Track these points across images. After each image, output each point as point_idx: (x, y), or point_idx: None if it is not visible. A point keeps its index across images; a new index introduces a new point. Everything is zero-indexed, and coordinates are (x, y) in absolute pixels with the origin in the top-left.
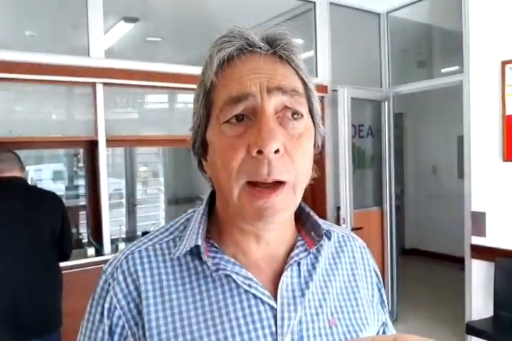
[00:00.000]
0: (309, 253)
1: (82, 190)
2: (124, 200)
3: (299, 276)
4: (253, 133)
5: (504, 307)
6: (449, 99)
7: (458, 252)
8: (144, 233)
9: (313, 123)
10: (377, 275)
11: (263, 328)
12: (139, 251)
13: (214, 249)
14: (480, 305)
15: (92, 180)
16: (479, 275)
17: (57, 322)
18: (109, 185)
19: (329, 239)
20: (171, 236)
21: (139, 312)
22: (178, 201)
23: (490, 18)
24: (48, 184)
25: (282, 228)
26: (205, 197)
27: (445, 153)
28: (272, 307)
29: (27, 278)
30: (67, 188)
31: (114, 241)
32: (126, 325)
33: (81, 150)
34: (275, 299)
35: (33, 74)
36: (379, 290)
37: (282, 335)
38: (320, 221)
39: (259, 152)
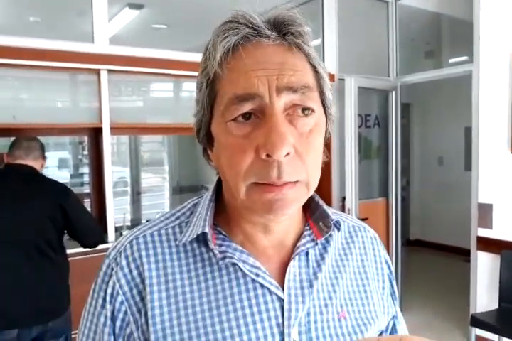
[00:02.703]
0: (316, 243)
1: (86, 178)
2: (128, 188)
3: (308, 266)
4: (262, 134)
5: (509, 300)
6: (457, 89)
7: (463, 244)
8: (149, 221)
9: (325, 113)
10: (388, 267)
11: (269, 319)
12: (144, 236)
13: (221, 236)
14: (485, 297)
15: (97, 168)
16: (485, 268)
17: (60, 310)
18: (113, 173)
19: (338, 229)
20: (177, 222)
21: (142, 299)
22: (183, 190)
23: (501, 8)
24: (53, 171)
25: (291, 217)
26: (213, 184)
27: (452, 144)
28: (279, 298)
29: (21, 266)
30: (72, 176)
31: (118, 229)
32: (129, 311)
33: (86, 138)
34: (283, 289)
35: (37, 61)
36: (390, 281)
37: (289, 327)
38: (329, 211)
39: (269, 155)
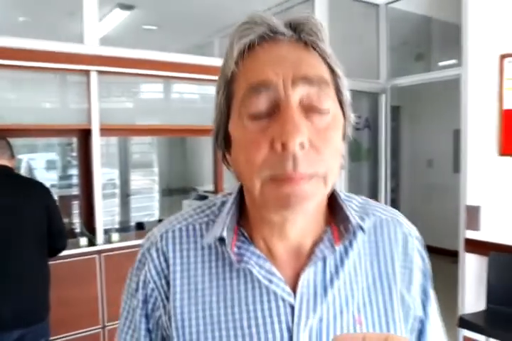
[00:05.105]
0: (334, 249)
1: (75, 180)
2: (117, 190)
3: (324, 272)
4: (277, 126)
5: (497, 301)
6: (446, 92)
7: (451, 246)
8: (138, 224)
9: (343, 113)
10: (423, 265)
11: (280, 323)
12: (173, 231)
13: (243, 238)
14: (472, 298)
15: (85, 170)
16: (472, 269)
17: (42, 314)
18: (102, 174)
19: (363, 231)
20: (206, 219)
21: (169, 290)
22: (173, 192)
23: (489, 11)
24: (41, 173)
25: (308, 219)
26: (237, 186)
27: (441, 147)
28: (291, 304)
29: (7, 267)
30: (60, 178)
31: (107, 232)
32: (159, 297)
33: (74, 140)
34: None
35: (26, 61)
36: (423, 280)
37: (298, 333)
38: (356, 206)
39: (283, 147)
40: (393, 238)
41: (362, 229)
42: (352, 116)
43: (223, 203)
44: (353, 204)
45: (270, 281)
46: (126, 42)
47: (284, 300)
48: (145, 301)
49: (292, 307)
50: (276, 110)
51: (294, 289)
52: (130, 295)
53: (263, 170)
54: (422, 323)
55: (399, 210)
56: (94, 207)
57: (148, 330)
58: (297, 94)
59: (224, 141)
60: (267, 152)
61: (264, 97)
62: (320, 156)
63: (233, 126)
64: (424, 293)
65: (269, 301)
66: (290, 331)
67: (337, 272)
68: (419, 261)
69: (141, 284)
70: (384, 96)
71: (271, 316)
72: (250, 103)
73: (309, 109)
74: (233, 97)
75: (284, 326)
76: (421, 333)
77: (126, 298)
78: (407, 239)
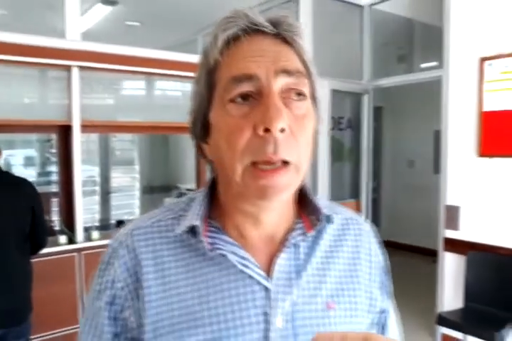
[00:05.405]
0: (306, 236)
1: (54, 177)
2: (97, 188)
3: (297, 259)
4: (259, 112)
5: (474, 299)
6: (427, 93)
7: (431, 245)
8: (119, 222)
9: (314, 107)
10: (382, 261)
11: (255, 307)
12: (142, 228)
13: (213, 228)
14: (451, 296)
15: (65, 167)
16: (451, 268)
17: (26, 314)
18: (82, 172)
19: (331, 223)
20: (174, 215)
21: (140, 286)
22: (154, 190)
23: (470, 15)
24: (19, 170)
25: (281, 209)
26: (207, 181)
27: (422, 148)
28: (266, 288)
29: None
30: (39, 174)
31: (87, 229)
32: (129, 296)
33: (54, 136)
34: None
35: (5, 55)
36: (381, 275)
37: (275, 316)
38: (322, 205)
39: (266, 130)
40: (358, 234)
41: (331, 219)
42: (322, 114)
43: (192, 199)
44: (320, 203)
45: (245, 266)
46: (109, 38)
47: (259, 284)
48: (111, 303)
49: (267, 292)
50: (258, 97)
51: (268, 274)
52: (94, 298)
53: (245, 155)
54: (384, 315)
55: (380, 210)
56: (74, 204)
57: (116, 335)
58: (279, 83)
59: (202, 130)
60: (249, 137)
61: (247, 85)
62: (296, 143)
63: (215, 113)
64: (384, 286)
65: (244, 286)
66: (265, 315)
67: (309, 258)
68: (379, 256)
69: (108, 284)
70: (367, 97)
71: (246, 301)
72: (234, 89)
73: (288, 95)
74: (215, 86)
75: (259, 310)
76: (383, 325)
77: (89, 303)
78: (369, 235)
